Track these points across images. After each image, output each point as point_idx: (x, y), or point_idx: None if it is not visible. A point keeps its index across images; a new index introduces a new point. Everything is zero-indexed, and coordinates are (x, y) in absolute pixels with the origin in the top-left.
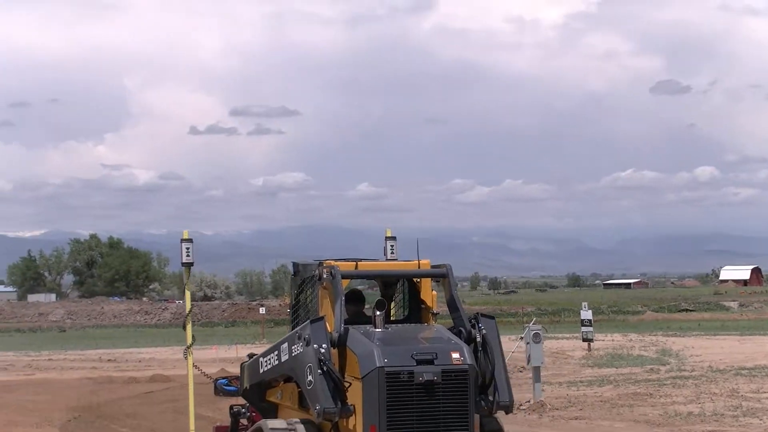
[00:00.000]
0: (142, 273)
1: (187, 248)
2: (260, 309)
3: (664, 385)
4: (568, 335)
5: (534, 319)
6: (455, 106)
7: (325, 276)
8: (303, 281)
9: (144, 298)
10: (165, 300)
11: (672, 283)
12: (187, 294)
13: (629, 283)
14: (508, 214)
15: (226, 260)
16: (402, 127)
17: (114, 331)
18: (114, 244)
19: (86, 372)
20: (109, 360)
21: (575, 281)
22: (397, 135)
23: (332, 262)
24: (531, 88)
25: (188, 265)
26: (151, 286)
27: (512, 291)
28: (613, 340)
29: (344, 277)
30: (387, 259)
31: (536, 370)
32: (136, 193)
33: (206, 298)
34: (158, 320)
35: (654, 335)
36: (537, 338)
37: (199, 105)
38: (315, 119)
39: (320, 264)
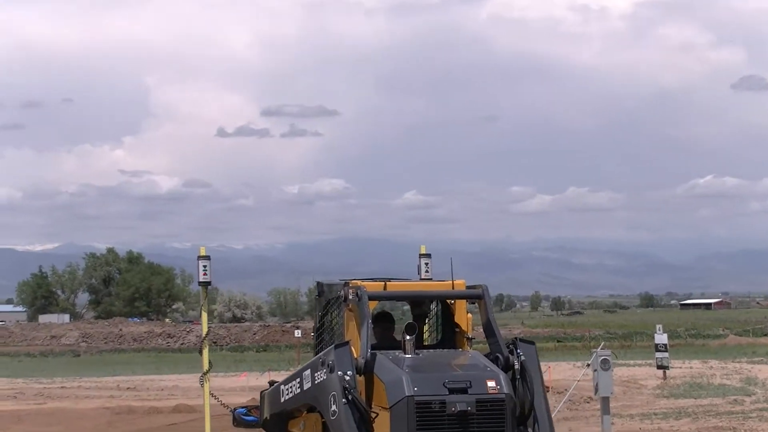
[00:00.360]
0: (164, 291)
1: (204, 266)
2: (295, 332)
3: (750, 418)
4: (640, 362)
5: (602, 343)
6: (513, 104)
7: (350, 297)
8: (328, 302)
9: (167, 320)
10: (190, 321)
11: (758, 303)
12: (204, 316)
13: (709, 303)
14: (573, 226)
15: (258, 277)
16: (453, 128)
17: (133, 356)
18: (133, 259)
19: (103, 401)
20: (128, 388)
21: (648, 301)
22: (448, 137)
23: (359, 282)
24: (598, 84)
25: (205, 285)
26: (174, 306)
27: (577, 312)
28: (691, 368)
29: (371, 298)
30: (421, 279)
31: (605, 401)
32: (157, 202)
33: (235, 319)
34: (182, 344)
35: (738, 362)
36: (606, 365)
37: (228, 104)
38: (356, 119)
39: (346, 284)
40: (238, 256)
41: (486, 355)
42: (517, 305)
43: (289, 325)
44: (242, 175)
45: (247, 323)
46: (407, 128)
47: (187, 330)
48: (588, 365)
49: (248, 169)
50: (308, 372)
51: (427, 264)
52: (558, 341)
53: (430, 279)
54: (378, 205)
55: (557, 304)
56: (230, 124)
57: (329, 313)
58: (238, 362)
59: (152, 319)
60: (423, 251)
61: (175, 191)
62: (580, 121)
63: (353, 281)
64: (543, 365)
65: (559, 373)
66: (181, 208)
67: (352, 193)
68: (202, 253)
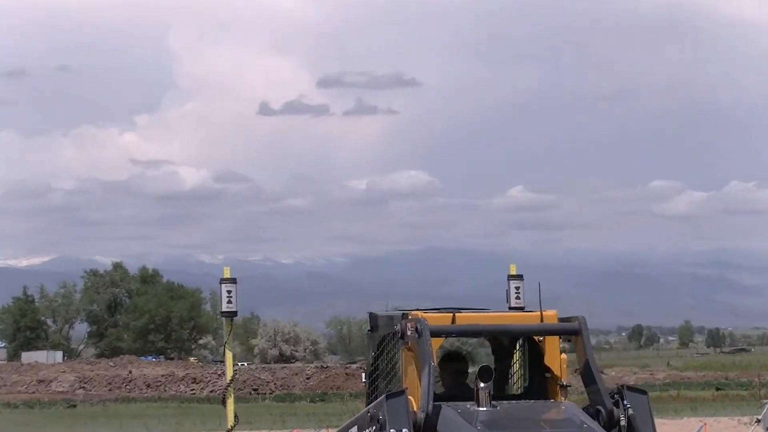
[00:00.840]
0: (188, 321)
1: (229, 291)
2: (363, 375)
3: None
4: None
5: None
6: (649, 72)
7: (408, 333)
8: (383, 339)
9: (192, 359)
10: (222, 362)
11: None
12: (228, 356)
13: None
14: (734, 233)
15: (313, 301)
16: (572, 105)
17: (147, 407)
18: (148, 278)
19: None
20: None
21: None
22: (566, 117)
23: (420, 314)
24: (765, 44)
25: (230, 316)
26: (201, 341)
27: (742, 349)
28: None
29: (436, 334)
30: (510, 308)
31: None
32: (180, 202)
33: (283, 358)
34: (211, 391)
35: None
36: None
37: (274, 72)
38: (443, 92)
39: (403, 316)
40: (286, 274)
41: (584, 408)
42: (661, 340)
43: (354, 366)
44: (292, 166)
45: (298, 364)
46: (511, 105)
47: (219, 373)
48: (758, 421)
49: (300, 159)
50: (354, 429)
51: (517, 288)
52: (717, 389)
53: (522, 308)
54: (472, 206)
55: (715, 339)
56: (277, 99)
57: (384, 353)
58: (286, 415)
59: (172, 358)
60: (512, 272)
61: (204, 188)
62: (742, 93)
63: (413, 312)
64: (697, 420)
65: (720, 431)
66: (212, 210)
67: (437, 189)
68: (227, 274)
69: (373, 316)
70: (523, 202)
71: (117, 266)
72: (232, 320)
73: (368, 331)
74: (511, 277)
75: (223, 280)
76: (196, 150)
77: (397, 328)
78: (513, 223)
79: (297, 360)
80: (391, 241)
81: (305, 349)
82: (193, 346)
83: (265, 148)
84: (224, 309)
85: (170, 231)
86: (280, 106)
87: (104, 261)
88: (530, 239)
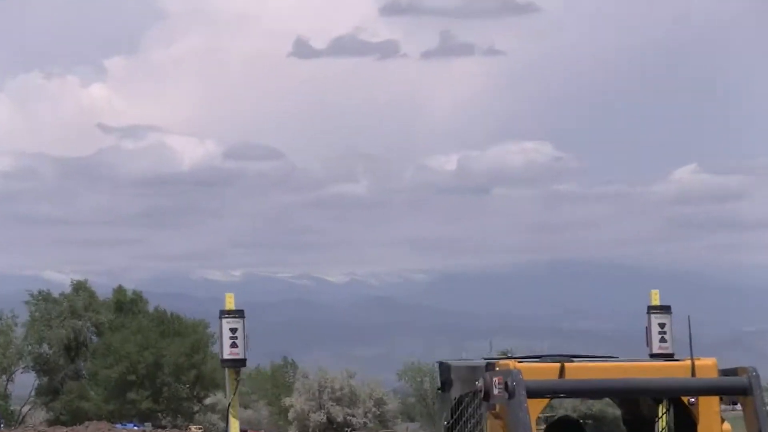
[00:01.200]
0: (188, 369)
1: (233, 330)
2: None
3: None
4: None
5: None
6: None
7: (496, 392)
8: (459, 400)
9: (193, 427)
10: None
11: None
12: (233, 425)
13: None
14: None
15: (377, 340)
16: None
17: None
18: (127, 304)
19: None
20: None
21: None
22: (756, 58)
23: (512, 364)
24: None
25: (235, 365)
26: (207, 400)
27: None
28: None
29: (535, 393)
30: (651, 355)
31: None
32: (175, 188)
33: (333, 426)
34: None
35: None
36: None
37: None
38: (573, 24)
39: (488, 367)
40: (336, 297)
41: None
42: None
43: None
44: (343, 135)
45: None
46: (677, 43)
47: None
48: None
49: (356, 124)
50: None
51: (662, 326)
52: None
53: (671, 356)
54: (621, 196)
55: None
56: (320, 34)
57: (462, 420)
58: None
59: (164, 427)
60: (655, 301)
61: (211, 168)
62: None
63: (501, 362)
64: None
65: None
66: (224, 200)
67: (567, 170)
68: (230, 305)
69: (444, 368)
70: (697, 189)
71: (79, 286)
72: (238, 372)
73: (439, 389)
74: (652, 309)
75: (224, 313)
76: (198, 111)
77: (480, 384)
78: (681, 221)
79: (355, 428)
80: (496, 249)
81: (366, 413)
82: (195, 408)
83: (303, 107)
84: (226, 356)
85: (160, 233)
86: (326, 45)
87: (60, 279)
88: (708, 245)
